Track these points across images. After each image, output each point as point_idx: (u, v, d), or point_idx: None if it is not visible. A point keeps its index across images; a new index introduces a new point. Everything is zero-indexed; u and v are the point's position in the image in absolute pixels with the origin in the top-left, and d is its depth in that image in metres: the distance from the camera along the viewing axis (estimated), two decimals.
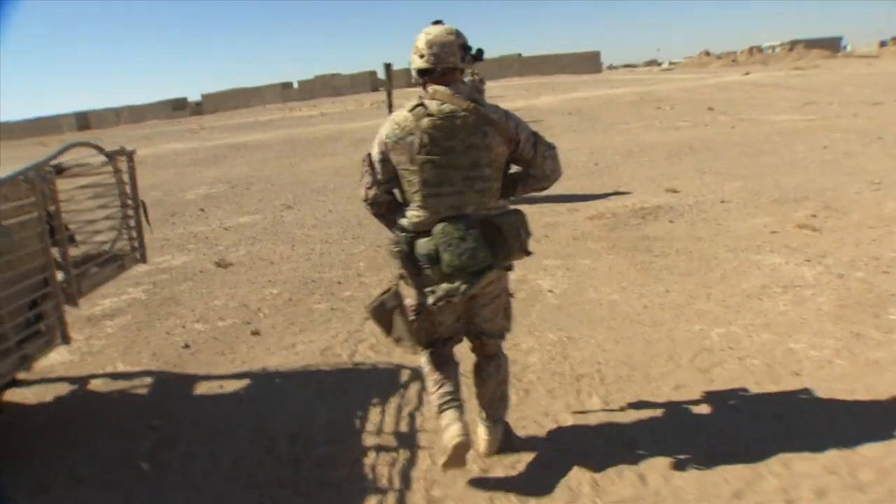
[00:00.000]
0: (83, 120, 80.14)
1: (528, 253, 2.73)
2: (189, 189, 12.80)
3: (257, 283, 5.93)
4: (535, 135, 2.68)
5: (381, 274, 5.80)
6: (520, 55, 78.66)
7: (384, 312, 2.72)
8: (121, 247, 3.98)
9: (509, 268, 2.74)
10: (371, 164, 2.71)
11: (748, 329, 4.04)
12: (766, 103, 19.86)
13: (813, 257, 5.22)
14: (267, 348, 4.48)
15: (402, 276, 2.73)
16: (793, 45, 75.78)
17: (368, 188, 2.74)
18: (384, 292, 2.75)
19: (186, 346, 4.62)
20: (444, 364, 2.85)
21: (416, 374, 3.61)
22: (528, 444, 3.01)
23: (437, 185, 2.56)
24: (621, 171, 9.71)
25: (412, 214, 2.63)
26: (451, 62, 2.60)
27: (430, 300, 2.61)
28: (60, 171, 3.53)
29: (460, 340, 2.91)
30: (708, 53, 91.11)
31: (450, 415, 2.69)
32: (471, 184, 2.56)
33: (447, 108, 2.54)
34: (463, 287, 2.54)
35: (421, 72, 2.65)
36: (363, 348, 4.31)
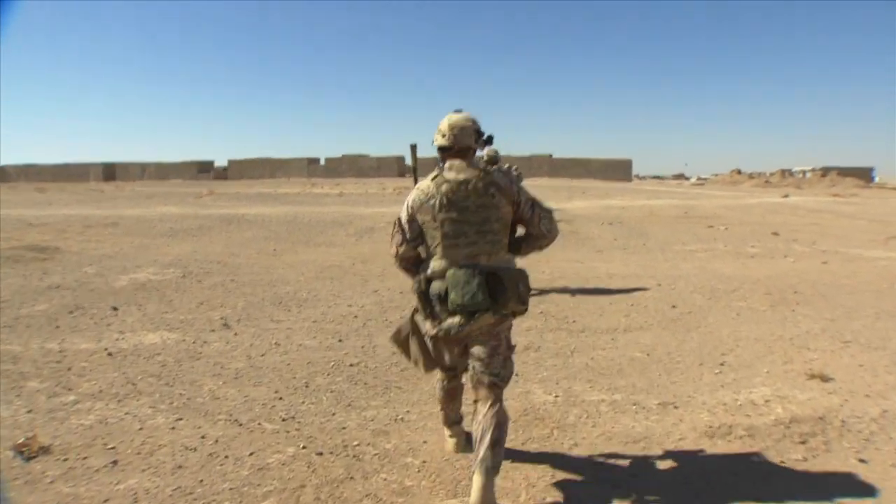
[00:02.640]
0: (109, 170, 79.27)
1: (525, 306, 3.06)
2: (133, 270, 9.96)
3: None
4: (533, 199, 3.14)
5: None
6: (550, 156, 77.63)
7: (402, 338, 3.32)
8: None
9: (506, 316, 3.05)
10: (401, 226, 3.17)
11: None
12: (839, 233, 16.99)
13: None
14: None
15: (416, 311, 3.24)
16: (825, 171, 74.74)
17: (399, 245, 3.21)
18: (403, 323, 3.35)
19: None
20: (451, 398, 3.59)
21: None
22: None
23: (454, 238, 3.01)
24: (713, 322, 6.67)
25: (434, 263, 3.08)
26: (467, 143, 3.13)
27: (435, 331, 3.10)
28: None
29: (465, 369, 3.25)
30: (739, 172, 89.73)
31: (449, 430, 3.66)
32: (482, 237, 3.00)
33: (462, 176, 3.04)
34: (461, 323, 2.99)
35: (441, 149, 3.16)
36: None
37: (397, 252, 3.23)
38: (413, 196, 3.12)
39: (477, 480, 2.89)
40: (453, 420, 3.65)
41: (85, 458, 3.54)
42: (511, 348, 3.22)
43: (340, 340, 5.87)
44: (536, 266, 10.29)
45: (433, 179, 3.07)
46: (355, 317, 6.78)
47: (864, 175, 73.46)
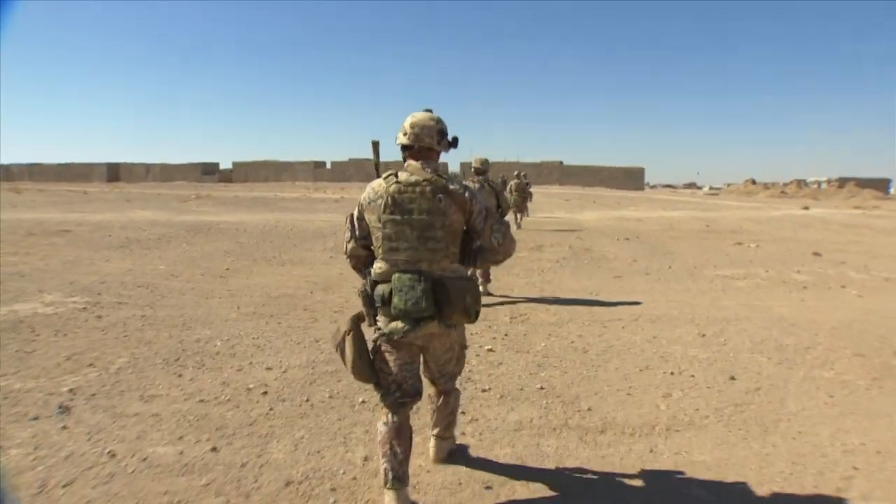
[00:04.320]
0: (113, 171, 78.02)
1: (472, 318, 2.88)
2: (29, 297, 7.86)
3: None
4: (487, 209, 2.96)
5: None
6: (561, 163, 75.55)
7: (339, 337, 2.98)
8: None
9: (451, 326, 2.92)
10: (352, 222, 3.04)
11: None
12: (889, 253, 14.80)
13: None
14: None
15: (360, 315, 3.00)
16: (842, 182, 72.66)
17: (348, 242, 3.07)
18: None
19: None
20: (400, 435, 2.93)
21: None
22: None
23: (395, 241, 2.84)
24: (798, 412, 4.44)
25: (377, 265, 2.93)
26: (428, 143, 2.96)
27: (377, 335, 2.92)
28: None
29: (417, 399, 3.02)
30: (754, 182, 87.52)
31: (390, 496, 2.87)
32: (423, 242, 2.82)
33: (413, 178, 2.88)
34: (405, 329, 2.82)
35: (403, 147, 3.01)
36: None
37: (346, 249, 3.11)
38: (365, 193, 3.00)
39: (433, 444, 3.45)
40: (396, 475, 2.90)
41: None
42: (464, 347, 3.18)
43: (214, 449, 3.65)
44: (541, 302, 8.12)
45: (385, 179, 2.94)
46: (264, 392, 4.59)
47: (880, 186, 71.72)
